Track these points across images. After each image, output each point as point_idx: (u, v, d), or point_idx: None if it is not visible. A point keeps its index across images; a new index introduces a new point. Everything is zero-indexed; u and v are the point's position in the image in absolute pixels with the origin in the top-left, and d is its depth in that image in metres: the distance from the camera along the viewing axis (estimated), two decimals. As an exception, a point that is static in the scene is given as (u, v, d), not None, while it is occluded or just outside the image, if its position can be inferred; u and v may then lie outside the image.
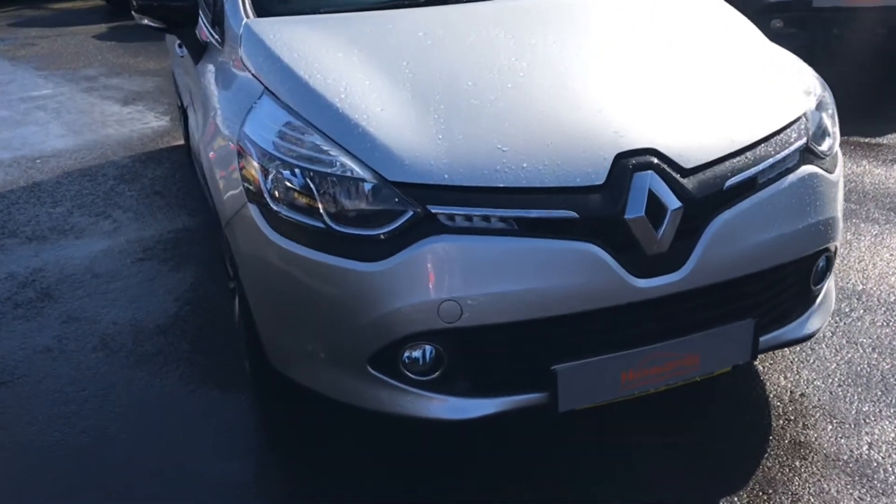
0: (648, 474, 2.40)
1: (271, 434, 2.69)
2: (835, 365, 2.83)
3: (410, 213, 2.10)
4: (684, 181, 2.17)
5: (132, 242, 4.08)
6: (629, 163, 2.16)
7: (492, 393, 2.21)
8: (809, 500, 2.27)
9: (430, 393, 2.21)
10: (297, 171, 2.22)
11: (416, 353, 2.19)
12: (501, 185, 2.11)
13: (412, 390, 2.21)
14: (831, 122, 2.54)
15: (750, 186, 2.26)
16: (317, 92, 2.35)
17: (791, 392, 2.71)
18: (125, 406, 2.81)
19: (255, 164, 2.30)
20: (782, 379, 2.77)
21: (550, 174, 2.13)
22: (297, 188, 2.21)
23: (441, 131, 2.20)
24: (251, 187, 2.31)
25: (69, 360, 3.09)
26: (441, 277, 2.09)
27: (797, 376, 2.78)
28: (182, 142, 5.42)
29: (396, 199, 2.12)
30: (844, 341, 2.95)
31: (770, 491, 2.30)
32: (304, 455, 2.55)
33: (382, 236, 2.12)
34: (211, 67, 2.99)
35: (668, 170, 2.17)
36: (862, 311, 3.14)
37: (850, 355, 2.88)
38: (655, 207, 2.13)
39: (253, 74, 2.58)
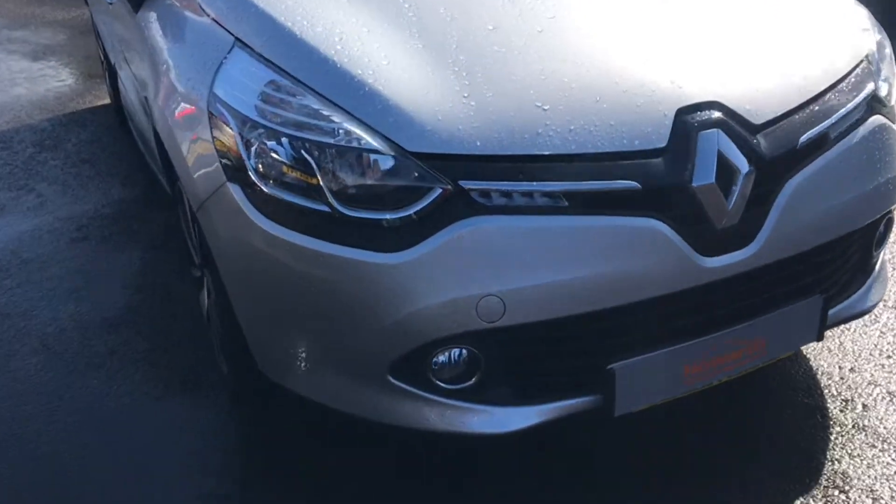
0: (708, 473, 2.10)
1: (253, 446, 2.30)
2: (878, 333, 2.58)
3: (438, 190, 1.72)
4: (754, 140, 1.83)
5: (63, 220, 3.56)
6: (692, 120, 1.81)
7: (537, 399, 1.86)
8: (891, 495, 2.01)
9: (466, 403, 1.85)
10: (288, 141, 1.80)
11: (446, 358, 1.83)
12: (547, 153, 1.74)
13: (444, 401, 1.85)
14: (890, 68, 2.24)
15: (822, 143, 1.94)
16: (305, 42, 1.92)
17: (839, 368, 2.44)
18: (77, 422, 2.38)
19: (235, 134, 1.87)
20: (825, 352, 2.50)
21: (603, 137, 1.76)
22: (291, 163, 1.80)
23: (465, 88, 1.80)
24: (230, 163, 1.88)
25: (2, 370, 2.62)
26: (479, 268, 1.72)
27: (840, 348, 2.52)
28: (108, 101, 4.85)
29: (419, 175, 1.73)
30: (882, 306, 2.71)
31: (846, 487, 2.03)
32: (291, 470, 2.18)
33: (403, 220, 1.73)
34: (156, 16, 2.50)
35: (735, 127, 1.83)
36: None
37: (892, 321, 2.63)
38: (724, 172, 1.79)
39: (217, 22, 2.13)
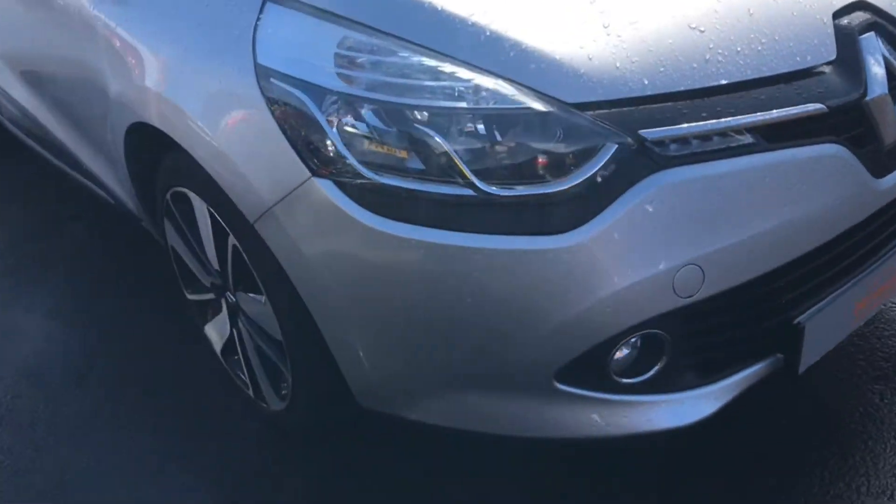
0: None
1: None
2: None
3: (612, 147, 1.37)
4: (907, 40, 1.62)
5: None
6: (849, 25, 1.56)
7: (717, 376, 1.59)
8: None
9: (648, 397, 1.54)
10: (398, 111, 1.39)
11: (627, 348, 1.51)
12: (724, 82, 1.43)
13: (624, 399, 1.54)
14: None
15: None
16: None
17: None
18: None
19: (313, 113, 1.43)
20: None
21: (774, 57, 1.48)
22: (404, 141, 1.40)
23: (601, 16, 1.45)
24: (311, 153, 1.45)
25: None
26: (671, 235, 1.40)
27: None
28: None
29: (586, 131, 1.37)
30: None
31: None
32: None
33: (571, 191, 1.38)
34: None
35: (889, 27, 1.60)
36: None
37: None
38: (890, 81, 1.57)
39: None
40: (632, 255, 1.39)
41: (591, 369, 1.49)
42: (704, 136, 1.42)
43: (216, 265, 1.89)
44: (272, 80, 1.47)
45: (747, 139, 1.44)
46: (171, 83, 1.67)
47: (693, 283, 1.42)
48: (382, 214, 1.42)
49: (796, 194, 1.48)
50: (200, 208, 1.80)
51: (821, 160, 1.50)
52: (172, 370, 2.24)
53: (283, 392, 1.89)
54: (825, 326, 1.63)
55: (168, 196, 1.93)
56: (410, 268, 1.44)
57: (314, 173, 1.45)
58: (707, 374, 1.58)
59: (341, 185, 1.44)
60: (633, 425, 1.55)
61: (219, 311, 2.02)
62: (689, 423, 1.56)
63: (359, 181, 1.42)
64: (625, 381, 1.52)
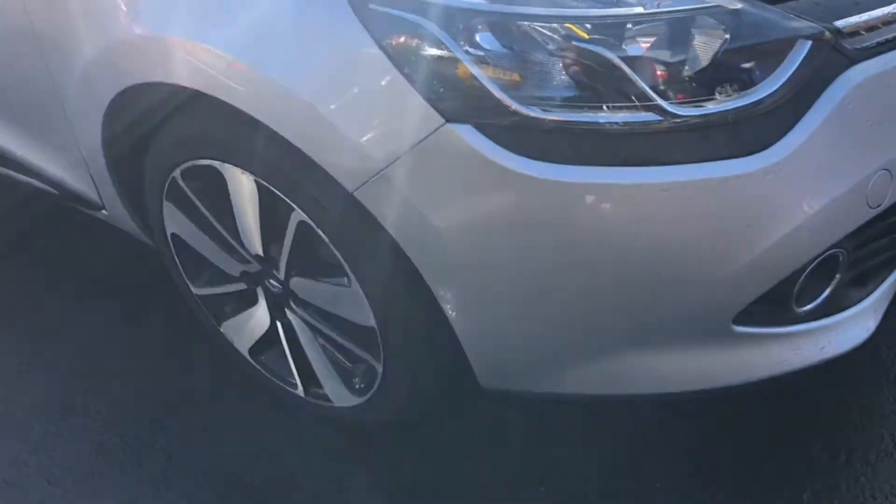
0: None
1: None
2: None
3: (807, 44, 1.18)
4: None
5: None
6: None
7: (871, 288, 1.46)
8: None
9: (823, 321, 1.39)
10: (554, 29, 1.13)
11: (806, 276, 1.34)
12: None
13: (801, 329, 1.37)
14: None
15: None
16: None
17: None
18: None
19: (448, 43, 1.14)
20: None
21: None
22: (563, 66, 1.14)
23: None
24: (448, 94, 1.15)
25: None
26: (865, 139, 1.24)
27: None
28: None
29: (780, 27, 1.17)
30: None
31: None
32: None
33: (764, 102, 1.17)
34: None
35: None
36: None
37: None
38: None
39: None
40: (829, 169, 1.22)
41: (774, 304, 1.32)
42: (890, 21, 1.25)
43: (257, 249, 1.55)
44: (381, 7, 1.16)
45: None
46: (216, 25, 1.30)
47: (882, 190, 1.28)
48: (540, 158, 1.16)
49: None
50: (240, 184, 1.45)
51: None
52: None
53: (359, 386, 1.60)
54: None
55: (177, 174, 1.55)
56: (577, 219, 1.20)
57: (448, 118, 1.16)
58: (862, 287, 1.46)
59: (484, 129, 1.16)
60: (806, 357, 1.39)
61: (251, 302, 1.68)
62: (860, 343, 1.43)
63: (509, 120, 1.15)
64: (802, 309, 1.36)
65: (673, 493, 1.56)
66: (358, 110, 1.22)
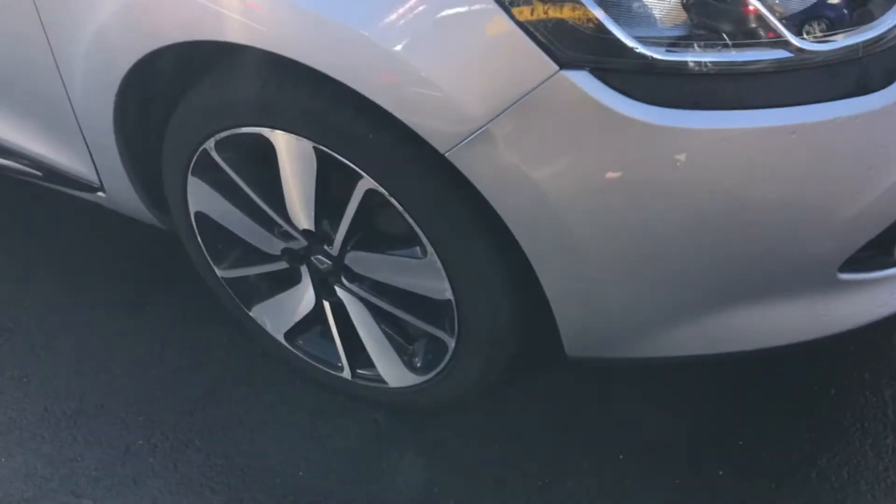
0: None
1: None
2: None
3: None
4: None
5: None
6: None
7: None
8: None
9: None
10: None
11: None
12: None
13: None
14: None
15: None
16: None
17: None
18: None
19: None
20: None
21: None
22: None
23: None
24: (565, 37, 1.03)
25: None
26: None
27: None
28: None
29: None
30: None
31: None
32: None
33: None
34: None
35: None
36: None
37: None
38: None
39: None
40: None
41: (879, 248, 1.26)
42: None
43: (306, 224, 1.41)
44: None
45: None
46: None
47: None
48: (664, 104, 1.06)
49: None
50: (294, 152, 1.30)
51: None
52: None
53: (419, 364, 1.49)
54: None
55: (209, 145, 1.39)
56: (701, 168, 1.10)
57: (562, 65, 1.05)
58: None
59: (602, 75, 1.05)
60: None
61: (292, 282, 1.54)
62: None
63: (631, 63, 1.04)
64: (899, 250, 1.31)
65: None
66: (455, 59, 1.08)
